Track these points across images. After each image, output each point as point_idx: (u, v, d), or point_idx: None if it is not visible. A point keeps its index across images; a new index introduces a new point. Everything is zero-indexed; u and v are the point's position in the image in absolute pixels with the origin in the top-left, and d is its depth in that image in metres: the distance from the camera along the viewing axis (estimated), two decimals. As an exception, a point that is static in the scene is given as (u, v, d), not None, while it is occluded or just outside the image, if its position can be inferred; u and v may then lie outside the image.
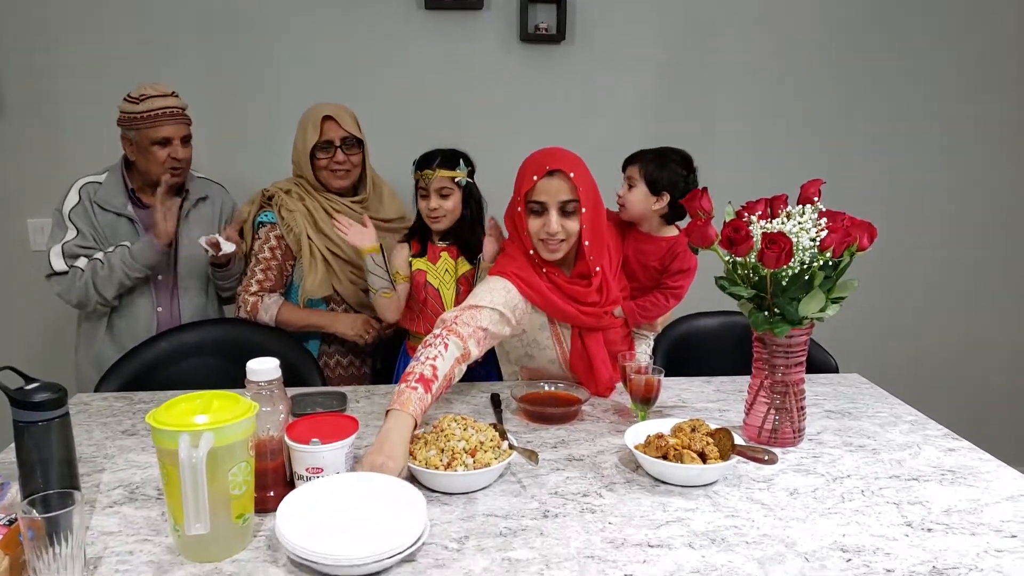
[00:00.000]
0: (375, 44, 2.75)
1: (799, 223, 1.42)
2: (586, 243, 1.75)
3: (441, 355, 1.53)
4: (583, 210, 1.71)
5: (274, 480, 1.29)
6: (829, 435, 1.60)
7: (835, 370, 2.09)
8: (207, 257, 2.19)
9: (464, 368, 1.60)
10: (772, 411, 1.54)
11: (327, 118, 2.14)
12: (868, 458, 1.48)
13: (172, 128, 2.13)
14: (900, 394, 1.87)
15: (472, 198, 2.07)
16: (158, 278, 2.23)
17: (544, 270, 1.79)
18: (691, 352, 2.18)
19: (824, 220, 1.42)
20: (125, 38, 2.65)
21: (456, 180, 2.02)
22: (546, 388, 1.77)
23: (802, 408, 1.54)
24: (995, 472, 1.42)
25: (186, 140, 2.18)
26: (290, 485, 1.31)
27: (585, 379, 1.85)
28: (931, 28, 2.90)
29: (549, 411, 1.65)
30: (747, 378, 1.91)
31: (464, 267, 2.08)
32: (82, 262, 2.14)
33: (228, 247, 2.11)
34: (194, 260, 2.25)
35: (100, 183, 2.19)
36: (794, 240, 1.39)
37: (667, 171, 1.88)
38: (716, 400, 1.81)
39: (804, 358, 1.54)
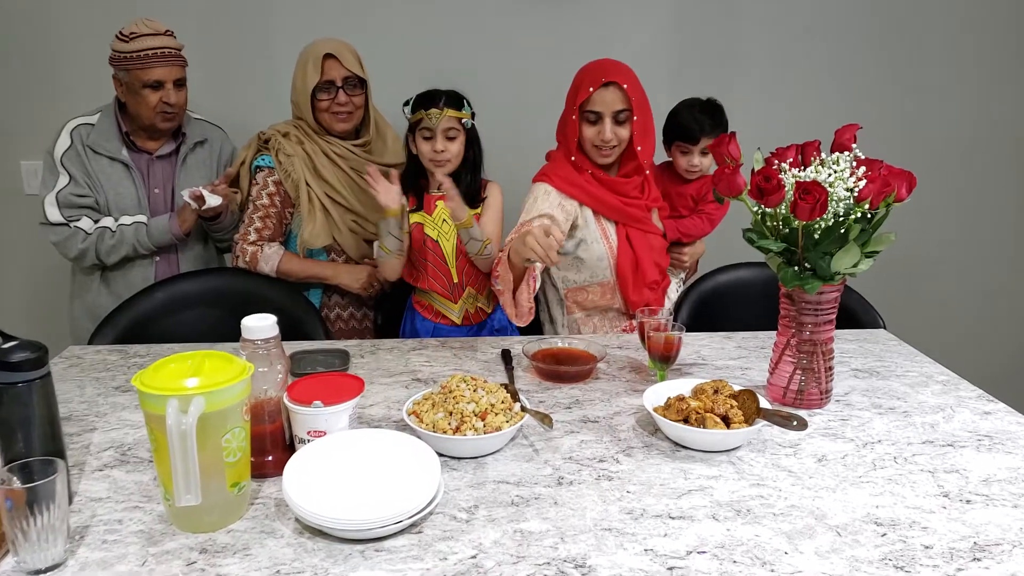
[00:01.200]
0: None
1: (835, 172, 1.31)
2: (639, 148, 1.90)
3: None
4: (635, 118, 1.86)
5: (272, 444, 1.22)
6: (857, 396, 1.52)
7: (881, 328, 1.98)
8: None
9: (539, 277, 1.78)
10: (798, 371, 1.45)
11: (328, 56, 2.01)
12: (899, 421, 1.40)
13: (164, 70, 2.01)
14: (926, 349, 1.78)
15: (475, 141, 1.97)
16: None
17: (588, 170, 1.93)
18: (713, 307, 2.09)
19: (862, 169, 1.30)
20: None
21: (463, 121, 1.91)
22: (559, 344, 1.69)
23: (830, 369, 1.46)
24: (1036, 438, 1.34)
25: (180, 83, 2.06)
26: (290, 449, 1.24)
27: (632, 280, 1.95)
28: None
29: (563, 369, 1.57)
30: (770, 334, 1.84)
31: (470, 214, 1.95)
32: (86, 223, 2.05)
33: (213, 200, 2.00)
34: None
35: (93, 125, 2.09)
36: (829, 190, 1.28)
37: (724, 124, 2.07)
38: (738, 358, 1.73)
39: (834, 316, 1.44)
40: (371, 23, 2.62)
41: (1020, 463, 1.25)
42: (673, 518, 1.10)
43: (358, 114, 2.08)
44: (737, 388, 1.38)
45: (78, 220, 2.05)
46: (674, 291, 2.13)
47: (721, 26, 2.72)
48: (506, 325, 2.08)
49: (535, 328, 2.03)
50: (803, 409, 1.45)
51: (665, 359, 1.52)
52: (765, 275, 2.14)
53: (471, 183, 1.97)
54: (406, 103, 1.93)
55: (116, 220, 2.08)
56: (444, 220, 1.96)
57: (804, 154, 1.45)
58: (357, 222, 2.11)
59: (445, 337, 1.90)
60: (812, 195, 1.25)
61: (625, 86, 1.84)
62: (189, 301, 2.02)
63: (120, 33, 2.00)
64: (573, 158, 1.92)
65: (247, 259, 2.05)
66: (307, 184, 2.04)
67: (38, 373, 1.09)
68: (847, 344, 1.80)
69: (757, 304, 2.10)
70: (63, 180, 2.04)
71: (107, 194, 2.08)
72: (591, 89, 1.84)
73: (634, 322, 2.02)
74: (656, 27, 2.71)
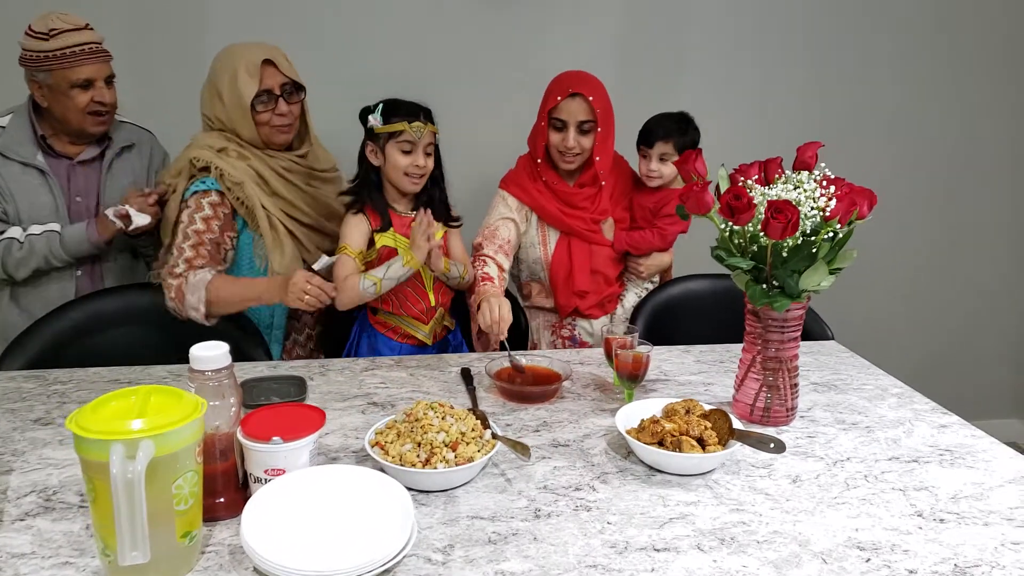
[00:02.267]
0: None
1: (805, 191, 1.30)
2: (597, 158, 1.96)
3: (486, 271, 1.85)
4: (598, 130, 1.92)
5: (224, 484, 1.12)
6: (820, 411, 1.52)
7: (830, 339, 2.01)
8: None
9: (507, 278, 1.97)
10: (764, 388, 1.44)
11: (266, 62, 1.80)
12: (863, 437, 1.41)
13: (94, 68, 1.85)
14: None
15: (440, 156, 1.87)
16: None
17: (544, 178, 2.02)
18: (665, 319, 2.07)
19: (832, 188, 1.30)
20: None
21: (436, 136, 1.82)
22: (524, 362, 1.63)
23: (795, 385, 1.45)
24: (991, 451, 1.36)
25: (110, 80, 1.91)
26: (243, 489, 1.14)
27: (562, 286, 2.05)
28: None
29: (528, 390, 1.52)
30: (728, 347, 1.86)
31: (439, 234, 1.88)
32: None
33: (140, 219, 1.82)
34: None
35: (3, 128, 1.89)
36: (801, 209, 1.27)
37: (691, 136, 2.05)
38: (698, 373, 1.71)
39: (799, 332, 1.44)
40: (309, 22, 2.50)
41: (982, 478, 1.27)
42: (658, 550, 1.06)
43: (296, 123, 1.90)
44: (707, 407, 1.36)
45: None
46: (634, 297, 2.14)
47: (670, 32, 2.72)
48: (461, 341, 2.02)
49: None
50: (770, 426, 1.44)
51: (633, 378, 1.48)
52: (716, 287, 2.15)
53: (442, 197, 1.89)
54: (369, 111, 1.79)
55: (25, 230, 1.88)
56: None
57: (767, 171, 1.44)
58: (322, 239, 1.95)
59: (400, 355, 1.81)
60: (784, 214, 1.24)
61: (591, 98, 1.89)
62: (111, 320, 1.86)
63: (33, 30, 1.82)
64: (539, 160, 2.00)
65: (172, 295, 1.75)
66: (263, 208, 1.82)
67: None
68: (802, 357, 1.78)
69: (709, 316, 2.10)
70: None
71: (18, 204, 1.89)
72: (559, 98, 1.91)
73: (566, 323, 2.12)
74: (605, 33, 2.68)
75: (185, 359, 1.09)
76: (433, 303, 1.88)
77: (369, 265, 1.82)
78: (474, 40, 2.61)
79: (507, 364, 1.62)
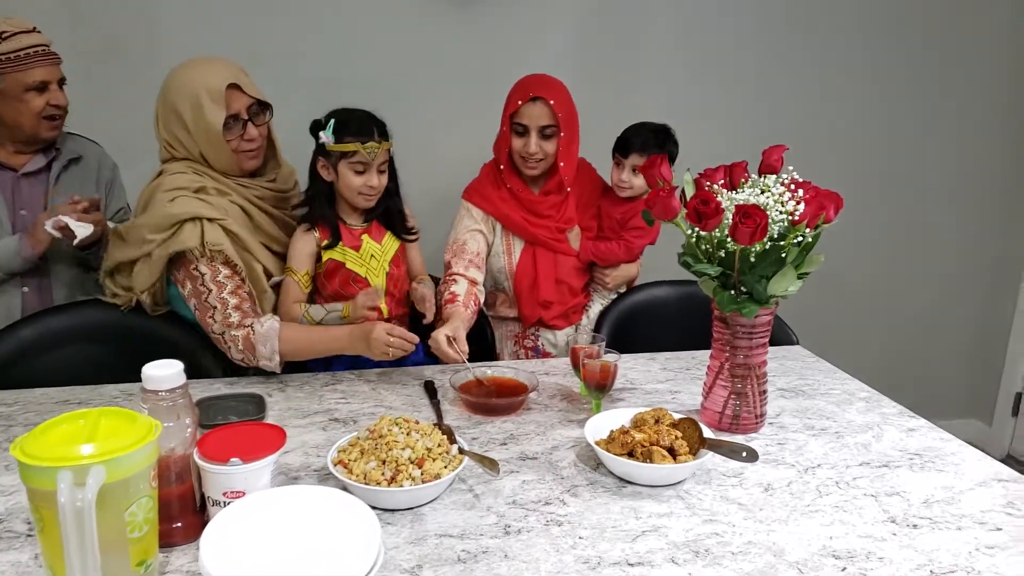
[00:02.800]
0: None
1: (774, 195, 1.30)
2: (561, 164, 1.94)
3: (453, 289, 1.84)
4: (561, 134, 1.89)
5: (181, 508, 1.07)
6: (788, 417, 1.52)
7: (795, 344, 2.01)
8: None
9: (483, 292, 1.97)
10: (733, 395, 1.44)
11: (230, 86, 1.65)
12: (833, 443, 1.40)
13: (47, 70, 1.79)
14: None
15: (394, 168, 1.81)
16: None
17: (508, 185, 1.99)
18: (629, 326, 2.05)
19: (801, 192, 1.30)
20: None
21: (390, 153, 1.76)
22: (488, 373, 1.60)
23: (764, 392, 1.45)
24: (960, 454, 1.37)
25: (62, 83, 1.85)
26: (201, 512, 1.09)
27: (527, 296, 2.02)
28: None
29: (494, 402, 1.49)
30: (693, 354, 1.85)
31: (394, 245, 1.83)
32: None
33: (82, 230, 1.72)
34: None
35: None
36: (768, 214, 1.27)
37: (668, 149, 1.99)
38: (665, 381, 1.70)
39: (767, 338, 1.44)
40: (258, 25, 2.45)
41: (952, 481, 1.28)
42: (632, 565, 1.04)
43: (264, 145, 1.77)
44: (677, 416, 1.34)
45: None
46: (599, 306, 2.11)
47: (635, 35, 2.72)
48: (423, 359, 1.97)
49: None
50: (739, 434, 1.43)
51: (601, 387, 1.46)
52: (680, 293, 2.14)
53: (397, 209, 1.84)
54: (320, 126, 1.70)
55: None
56: (372, 256, 1.80)
57: (733, 175, 1.44)
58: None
59: (363, 369, 1.76)
60: (752, 219, 1.23)
61: (552, 102, 1.86)
62: (62, 338, 1.77)
63: None
64: (501, 167, 1.98)
65: (240, 347, 1.61)
66: (248, 252, 1.69)
67: None
68: (768, 363, 1.80)
69: (673, 322, 2.10)
70: None
71: None
72: (519, 102, 1.88)
73: (529, 333, 2.10)
74: (569, 36, 2.67)
75: (139, 377, 1.05)
76: (387, 315, 1.80)
77: (316, 278, 1.78)
78: (435, 45, 2.58)
79: (472, 376, 1.59)
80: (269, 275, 1.74)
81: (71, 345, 1.77)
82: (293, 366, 1.89)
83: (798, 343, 1.98)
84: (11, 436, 1.38)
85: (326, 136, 1.68)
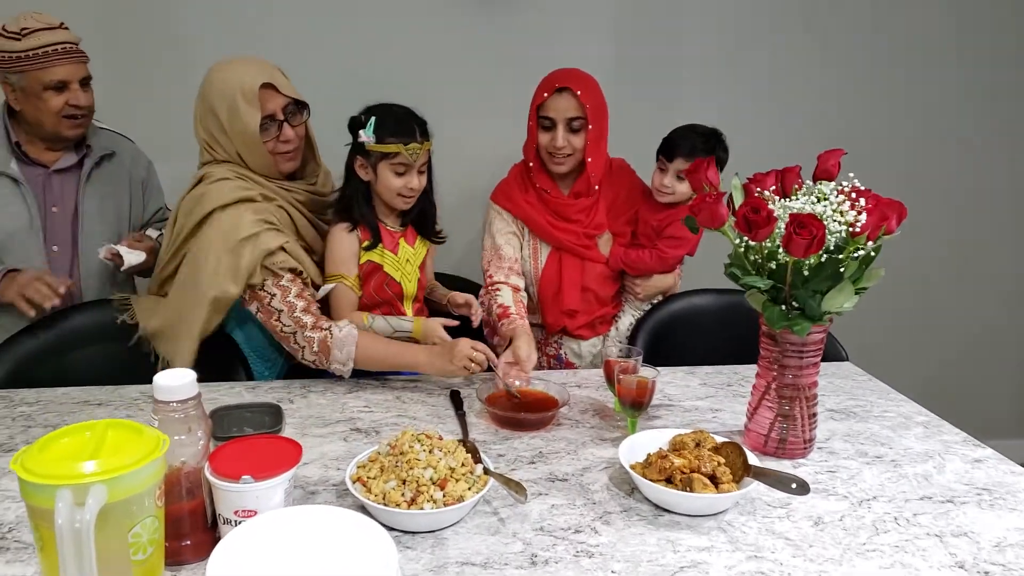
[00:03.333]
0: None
1: (832, 203, 1.20)
2: (588, 160, 1.85)
3: (501, 301, 1.80)
4: (589, 127, 1.81)
5: (192, 525, 1.01)
6: (839, 442, 1.41)
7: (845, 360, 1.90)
8: (113, 225, 1.87)
9: (526, 297, 1.90)
10: (779, 418, 1.34)
11: (264, 86, 1.60)
12: (890, 473, 1.30)
13: (68, 68, 1.74)
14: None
15: (431, 168, 1.72)
16: (53, 249, 1.84)
17: (537, 185, 1.91)
18: (666, 337, 1.96)
19: (863, 201, 1.20)
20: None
21: (430, 152, 1.69)
22: (518, 384, 1.53)
23: (814, 415, 1.35)
24: (1032, 489, 1.26)
25: (86, 82, 1.79)
26: (212, 530, 1.04)
27: (551, 303, 1.94)
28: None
29: (523, 417, 1.41)
30: (735, 369, 1.76)
31: (423, 250, 1.77)
32: None
33: (134, 257, 1.73)
34: (98, 228, 1.87)
35: None
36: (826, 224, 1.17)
37: (716, 156, 1.85)
38: (705, 397, 1.61)
39: (819, 358, 1.34)
40: (292, 32, 2.40)
41: (1024, 521, 1.17)
42: (669, 605, 0.95)
43: (302, 146, 1.72)
44: (719, 439, 1.25)
45: None
46: (630, 317, 2.01)
47: (663, 36, 2.63)
48: None
49: None
50: (785, 459, 1.34)
51: (637, 405, 1.38)
52: (721, 301, 2.04)
53: (430, 212, 1.77)
54: (359, 123, 1.62)
55: None
56: (407, 260, 1.74)
57: (785, 181, 1.34)
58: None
59: (386, 377, 1.70)
60: (808, 229, 1.14)
61: (579, 93, 1.78)
62: (83, 337, 1.75)
63: (5, 30, 1.72)
64: (531, 164, 1.90)
65: (315, 348, 1.57)
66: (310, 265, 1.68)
67: None
68: (816, 380, 1.70)
69: (712, 333, 2.00)
70: None
71: None
72: (545, 94, 1.81)
73: (552, 340, 2.02)
74: (598, 38, 2.59)
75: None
76: (411, 319, 1.74)
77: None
78: (463, 44, 2.51)
79: (499, 388, 1.52)
80: (315, 284, 1.69)
81: (94, 344, 1.74)
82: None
83: (848, 359, 1.87)
84: (30, 437, 1.35)
85: (366, 135, 1.61)
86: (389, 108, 1.65)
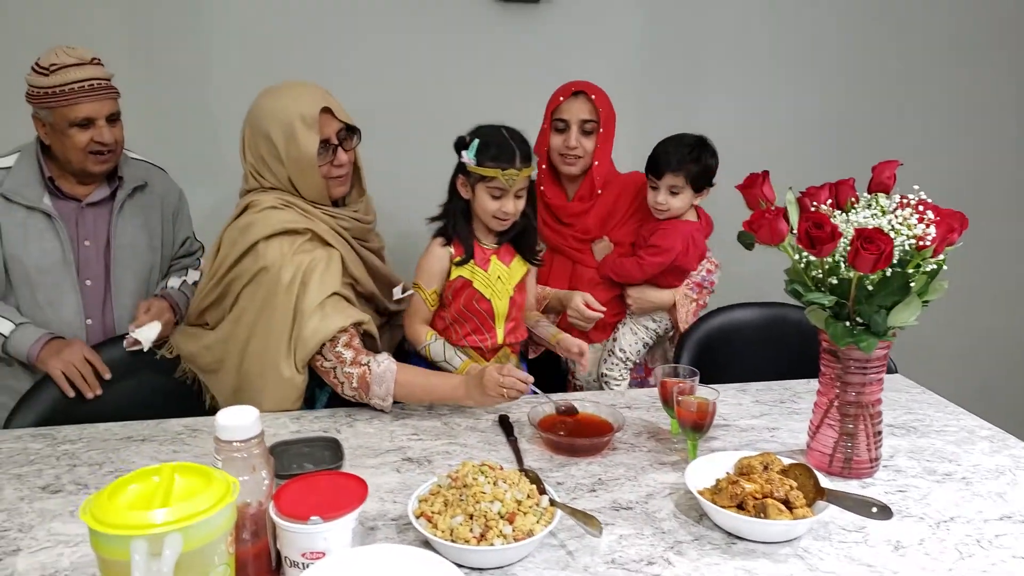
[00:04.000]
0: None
1: (898, 217, 1.17)
2: (596, 163, 1.92)
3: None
4: (600, 131, 1.89)
5: (256, 570, 0.99)
6: (904, 459, 1.38)
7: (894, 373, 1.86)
8: (146, 256, 1.86)
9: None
10: (844, 436, 1.30)
11: (323, 111, 1.58)
12: (962, 491, 1.26)
13: (94, 105, 1.71)
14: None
15: (533, 191, 1.73)
16: (86, 283, 1.82)
17: (541, 187, 1.97)
18: (709, 353, 1.93)
19: (931, 214, 1.17)
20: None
21: (531, 177, 1.67)
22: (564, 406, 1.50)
23: (878, 433, 1.31)
24: (1109, 504, 1.22)
25: (113, 119, 1.76)
26: (276, 572, 1.01)
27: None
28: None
29: (579, 443, 1.38)
30: (786, 384, 1.72)
31: (521, 270, 1.75)
32: None
33: (151, 332, 1.71)
34: (131, 260, 1.86)
35: (8, 168, 1.76)
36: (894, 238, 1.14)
37: (706, 164, 1.88)
38: (760, 415, 1.57)
39: (883, 374, 1.30)
40: (324, 46, 2.40)
41: (1108, 538, 1.13)
42: (757, 640, 0.92)
43: (352, 172, 1.70)
44: (786, 461, 1.22)
45: None
46: (630, 334, 2.00)
47: (688, 47, 2.62)
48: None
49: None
50: (852, 479, 1.30)
51: (698, 428, 1.34)
52: (760, 316, 2.01)
53: (529, 237, 1.76)
54: (462, 144, 1.64)
55: None
56: (499, 277, 1.71)
57: (839, 194, 1.32)
58: (369, 307, 1.76)
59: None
60: (875, 244, 1.11)
61: (593, 97, 1.88)
62: (125, 368, 1.73)
63: (37, 65, 1.70)
64: (543, 166, 1.97)
65: (354, 384, 1.55)
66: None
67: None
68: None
69: (754, 348, 1.97)
70: None
71: (15, 251, 1.74)
72: (561, 98, 1.90)
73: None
74: (624, 47, 2.58)
75: (198, 408, 0.97)
76: (501, 340, 1.74)
77: (444, 291, 1.72)
78: (484, 52, 2.52)
79: (550, 411, 1.49)
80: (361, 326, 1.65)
81: (136, 375, 1.72)
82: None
83: (897, 371, 1.83)
84: (76, 477, 1.32)
85: (468, 157, 1.62)
86: (494, 131, 1.65)
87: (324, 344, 1.55)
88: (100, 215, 1.84)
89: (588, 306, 1.81)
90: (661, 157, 1.88)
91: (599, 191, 1.95)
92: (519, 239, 1.75)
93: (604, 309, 1.83)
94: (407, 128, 2.50)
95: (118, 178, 1.85)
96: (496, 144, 1.62)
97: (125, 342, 1.72)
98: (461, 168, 1.67)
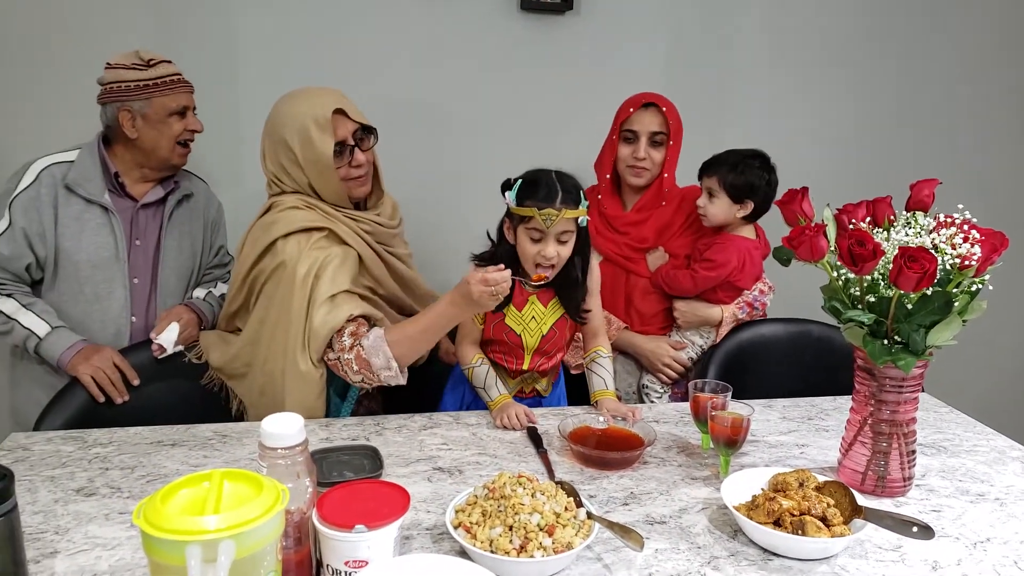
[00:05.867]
0: (355, 6, 2.39)
1: (942, 236, 1.17)
2: (664, 175, 1.93)
3: None
4: (670, 143, 1.90)
5: (298, 576, 0.99)
6: (936, 479, 1.37)
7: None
8: (188, 261, 1.92)
9: None
10: (878, 454, 1.30)
11: (336, 112, 1.60)
12: (997, 512, 1.26)
13: (187, 96, 1.85)
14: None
15: (584, 238, 1.62)
16: (134, 281, 1.86)
17: (599, 196, 2.00)
18: (735, 369, 1.93)
19: (976, 233, 1.17)
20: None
21: (578, 220, 1.56)
22: (600, 421, 1.50)
23: (912, 452, 1.31)
24: None
25: (194, 111, 1.88)
26: (317, 580, 1.01)
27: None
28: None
29: (609, 456, 1.38)
30: (810, 401, 1.73)
31: (556, 313, 1.67)
32: None
33: (171, 335, 1.76)
34: (176, 263, 1.91)
35: (71, 162, 1.80)
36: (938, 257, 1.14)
37: (747, 177, 1.85)
38: (788, 432, 1.57)
39: (918, 392, 1.30)
40: (348, 55, 2.42)
41: None
42: (800, 658, 0.91)
43: (371, 172, 1.71)
44: (821, 479, 1.22)
45: None
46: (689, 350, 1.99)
47: (715, 57, 2.63)
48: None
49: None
50: (885, 497, 1.30)
51: (731, 443, 1.34)
52: (786, 332, 2.01)
53: (575, 294, 1.65)
54: (507, 187, 1.56)
55: (26, 305, 1.75)
56: (532, 317, 1.66)
57: (876, 212, 1.32)
58: (396, 312, 1.76)
59: (459, 413, 1.67)
60: (919, 263, 1.11)
61: (664, 109, 1.90)
62: (154, 372, 1.74)
63: (133, 63, 1.79)
64: (608, 176, 1.99)
65: (356, 368, 1.55)
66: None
67: (0, 509, 0.84)
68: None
69: (779, 364, 1.97)
70: (2, 225, 1.75)
71: (69, 243, 1.78)
72: (631, 109, 1.91)
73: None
74: (650, 57, 2.59)
75: (224, 413, 0.97)
76: (526, 367, 1.70)
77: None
78: (510, 62, 2.53)
79: (581, 424, 1.49)
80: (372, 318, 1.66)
81: (163, 379, 1.73)
82: (391, 405, 1.81)
83: (923, 390, 1.83)
84: (109, 480, 1.32)
85: (510, 198, 1.55)
86: (540, 173, 1.57)
87: (333, 336, 1.56)
88: (153, 216, 1.90)
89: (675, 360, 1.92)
90: (708, 162, 1.92)
91: (663, 203, 1.97)
92: (562, 289, 1.65)
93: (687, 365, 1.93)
94: (434, 138, 2.52)
95: (174, 182, 1.91)
96: (538, 184, 1.54)
97: (152, 350, 1.75)
98: (508, 211, 1.60)
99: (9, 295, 1.75)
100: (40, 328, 1.73)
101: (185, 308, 1.85)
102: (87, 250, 1.79)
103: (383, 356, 1.53)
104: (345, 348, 1.56)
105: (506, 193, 1.56)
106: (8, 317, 1.73)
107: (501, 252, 1.63)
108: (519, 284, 1.62)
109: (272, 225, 1.61)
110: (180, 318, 1.80)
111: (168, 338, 1.75)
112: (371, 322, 1.63)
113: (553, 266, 1.57)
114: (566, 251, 1.57)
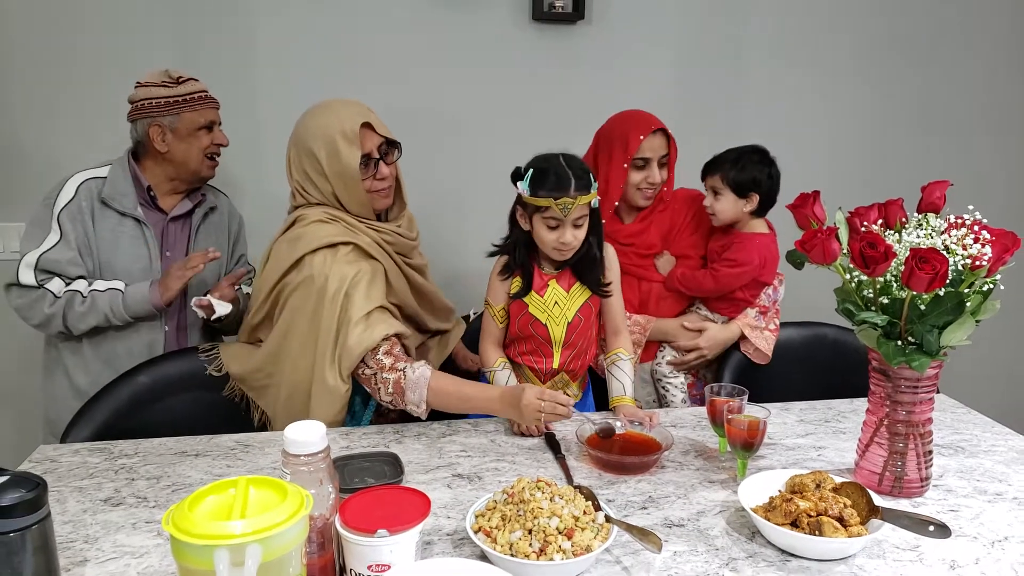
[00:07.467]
0: (371, 19, 2.43)
1: (953, 237, 1.18)
2: (665, 188, 1.98)
3: None
4: (669, 160, 1.94)
5: (322, 582, 1.01)
6: (953, 479, 1.38)
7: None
8: (214, 272, 1.98)
9: None
10: (894, 455, 1.31)
11: (364, 126, 1.63)
12: (1016, 511, 1.26)
13: (213, 112, 1.94)
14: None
15: (597, 219, 1.67)
16: None
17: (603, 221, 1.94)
18: (748, 373, 1.93)
19: (987, 234, 1.18)
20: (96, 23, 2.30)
21: (591, 204, 1.61)
22: (618, 425, 1.52)
23: (929, 452, 1.31)
24: None
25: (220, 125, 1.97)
26: (341, 585, 1.03)
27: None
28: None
29: (627, 460, 1.39)
30: (827, 403, 1.73)
31: (583, 295, 1.70)
32: (56, 284, 1.83)
33: (223, 308, 1.82)
34: (203, 273, 1.94)
35: (104, 178, 1.89)
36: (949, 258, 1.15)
37: (749, 171, 1.88)
38: (805, 435, 1.57)
39: (934, 393, 1.31)
40: (362, 65, 2.46)
41: None
42: (819, 658, 0.92)
43: (394, 185, 1.74)
44: (838, 480, 1.22)
45: (49, 281, 1.84)
46: (670, 354, 2.01)
47: (726, 66, 2.64)
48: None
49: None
50: (902, 498, 1.30)
51: (748, 447, 1.35)
52: (801, 335, 2.02)
53: (590, 265, 1.69)
54: (518, 176, 1.61)
55: (90, 284, 1.85)
56: (556, 303, 1.69)
57: (888, 214, 1.33)
58: (415, 331, 1.79)
59: (476, 419, 1.69)
60: (931, 264, 1.12)
61: (668, 132, 1.93)
62: (178, 384, 1.77)
63: (164, 81, 1.88)
64: (617, 203, 1.98)
65: (390, 389, 1.56)
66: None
67: (34, 517, 0.87)
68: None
69: (791, 366, 1.98)
70: (53, 238, 1.84)
71: (106, 256, 1.87)
72: (641, 138, 1.89)
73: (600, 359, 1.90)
74: (662, 67, 2.62)
75: (246, 424, 1.00)
76: (556, 365, 1.72)
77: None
78: (523, 72, 2.56)
79: (594, 429, 1.50)
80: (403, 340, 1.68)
81: (188, 391, 1.76)
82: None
83: (938, 391, 1.83)
84: (136, 490, 1.35)
85: (522, 187, 1.59)
86: (549, 160, 1.62)
87: (367, 353, 1.58)
88: (181, 229, 1.98)
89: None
90: (711, 160, 1.94)
91: (660, 208, 2.00)
92: (580, 267, 1.69)
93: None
94: (448, 145, 2.55)
95: (200, 195, 1.98)
96: (550, 173, 1.57)
97: (197, 300, 1.81)
98: (519, 199, 1.64)
99: (75, 278, 1.86)
100: (118, 285, 1.85)
101: (236, 296, 1.92)
102: (123, 261, 1.88)
103: (418, 395, 1.56)
104: (384, 367, 1.57)
105: (518, 183, 1.60)
106: (85, 296, 1.83)
107: (516, 240, 1.68)
108: (537, 270, 1.69)
109: (297, 240, 1.63)
110: (233, 303, 1.88)
111: (221, 310, 1.83)
112: (402, 339, 1.65)
113: (572, 249, 1.62)
114: (582, 233, 1.62)
